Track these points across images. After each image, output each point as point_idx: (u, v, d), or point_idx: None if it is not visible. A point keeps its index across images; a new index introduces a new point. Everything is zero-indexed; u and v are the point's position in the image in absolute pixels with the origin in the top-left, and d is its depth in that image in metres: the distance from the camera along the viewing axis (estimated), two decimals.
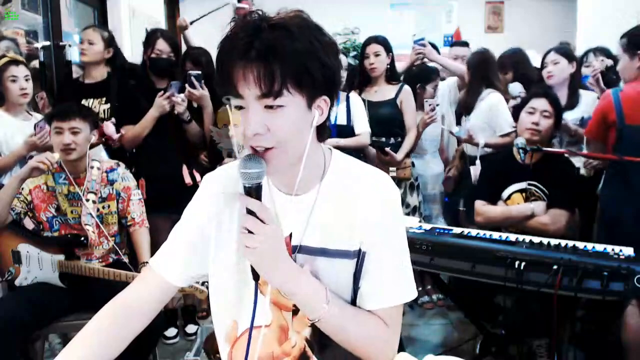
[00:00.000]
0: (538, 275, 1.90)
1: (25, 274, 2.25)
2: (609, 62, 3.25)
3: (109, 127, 2.76)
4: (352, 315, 1.02)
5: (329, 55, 0.95)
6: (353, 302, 1.06)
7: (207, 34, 2.96)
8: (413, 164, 3.25)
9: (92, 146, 2.39)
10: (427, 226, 2.38)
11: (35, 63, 3.32)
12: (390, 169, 3.05)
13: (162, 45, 2.85)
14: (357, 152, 2.97)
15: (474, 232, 2.26)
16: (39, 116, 2.72)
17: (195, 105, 2.90)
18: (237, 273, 1.06)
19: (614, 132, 2.40)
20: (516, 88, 3.26)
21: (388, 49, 3.16)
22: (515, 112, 2.62)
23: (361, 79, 3.28)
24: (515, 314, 2.28)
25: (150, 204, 2.56)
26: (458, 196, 3.41)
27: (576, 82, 2.97)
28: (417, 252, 2.11)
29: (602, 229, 2.50)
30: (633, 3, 4.00)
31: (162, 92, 2.79)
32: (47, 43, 3.37)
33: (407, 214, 3.12)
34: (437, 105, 3.20)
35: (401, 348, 1.08)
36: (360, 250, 1.03)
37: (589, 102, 2.86)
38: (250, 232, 0.92)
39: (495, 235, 2.21)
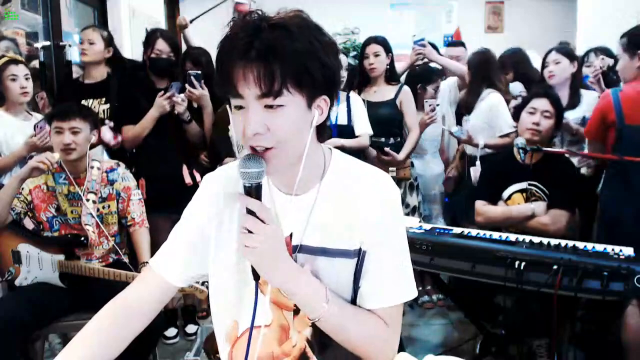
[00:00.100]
0: (538, 275, 1.90)
1: (25, 274, 2.25)
2: (610, 61, 3.25)
3: (106, 135, 2.75)
4: (352, 315, 1.02)
5: (329, 55, 0.95)
6: (353, 301, 1.06)
7: (207, 32, 2.97)
8: (412, 164, 3.25)
9: (92, 146, 2.39)
10: (427, 226, 2.38)
11: (35, 63, 3.32)
12: (390, 169, 3.05)
13: (161, 45, 2.85)
14: (358, 152, 2.97)
15: (474, 232, 2.26)
16: (39, 116, 2.72)
17: (195, 105, 2.91)
18: (237, 273, 1.06)
19: (613, 132, 2.40)
20: (517, 88, 3.26)
21: (388, 49, 3.16)
22: (516, 112, 2.62)
23: (361, 79, 3.28)
24: (515, 314, 2.28)
25: (150, 204, 2.56)
26: (458, 196, 3.41)
27: (577, 82, 2.97)
28: (417, 252, 2.11)
29: (602, 229, 2.50)
30: (633, 3, 4.00)
31: (162, 92, 2.79)
32: (47, 43, 3.37)
33: (407, 214, 3.12)
34: (437, 105, 3.20)
35: (401, 348, 1.08)
36: (360, 249, 1.03)
37: (590, 102, 2.85)
38: (250, 231, 0.92)
39: (495, 235, 2.21)
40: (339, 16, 6.30)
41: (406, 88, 3.21)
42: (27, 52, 3.30)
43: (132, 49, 4.15)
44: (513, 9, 6.81)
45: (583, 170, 2.75)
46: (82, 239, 2.26)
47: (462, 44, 4.17)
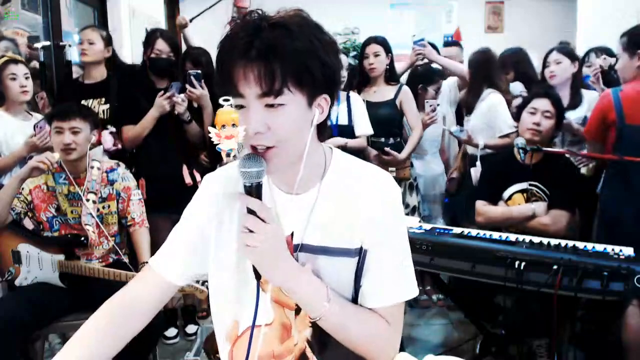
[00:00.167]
0: (538, 275, 1.91)
1: (25, 274, 2.25)
2: (613, 60, 3.25)
3: (107, 140, 2.75)
4: (353, 314, 1.02)
5: (329, 54, 0.95)
6: (354, 300, 1.06)
7: (206, 31, 2.97)
8: (412, 164, 3.25)
9: (92, 146, 2.39)
10: (427, 226, 2.38)
11: (35, 63, 3.32)
12: (390, 169, 3.05)
13: (161, 45, 2.85)
14: (357, 152, 2.97)
15: (474, 232, 2.26)
16: (39, 116, 2.72)
17: (195, 105, 2.91)
18: (237, 273, 1.06)
19: (613, 131, 2.40)
20: (517, 87, 3.26)
21: (387, 49, 3.16)
22: (518, 112, 2.62)
23: (360, 79, 3.28)
24: (515, 314, 2.28)
25: (150, 204, 2.55)
26: (458, 196, 3.41)
27: (578, 82, 2.97)
28: (417, 252, 2.11)
29: (602, 229, 2.50)
30: (633, 3, 3.99)
31: (162, 92, 2.79)
32: (47, 43, 3.37)
33: (407, 214, 3.11)
34: (438, 105, 3.20)
35: (401, 348, 1.07)
36: (361, 248, 1.03)
37: (591, 102, 2.85)
38: (251, 231, 0.92)
39: (495, 235, 2.21)
40: (339, 16, 6.31)
41: (406, 88, 3.21)
42: (28, 55, 3.30)
43: (132, 49, 4.15)
44: (513, 9, 6.81)
45: (583, 171, 2.74)
46: (82, 239, 2.26)
47: (458, 44, 4.18)
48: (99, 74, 2.95)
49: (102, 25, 3.87)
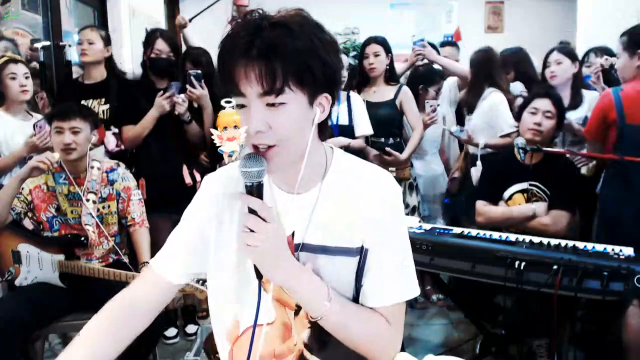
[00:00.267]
0: (538, 275, 1.90)
1: (25, 274, 2.25)
2: (613, 60, 3.25)
3: (110, 141, 2.75)
4: (354, 313, 1.02)
5: (330, 53, 0.96)
6: (355, 299, 1.06)
7: (206, 30, 2.96)
8: (412, 164, 3.25)
9: (92, 147, 2.39)
10: (427, 226, 2.38)
11: (35, 63, 3.32)
12: (390, 169, 3.05)
13: (161, 45, 2.85)
14: (357, 152, 2.97)
15: (474, 232, 2.26)
16: (39, 116, 2.72)
17: (195, 105, 2.91)
18: (237, 273, 1.06)
19: (614, 131, 2.40)
20: (517, 87, 3.26)
21: (387, 49, 3.16)
22: (519, 112, 2.62)
23: (360, 79, 3.28)
24: (515, 314, 2.28)
25: (150, 204, 2.55)
26: (459, 196, 3.41)
27: (579, 82, 2.97)
28: (417, 252, 2.10)
29: (602, 229, 2.50)
30: (633, 3, 3.99)
31: (162, 92, 2.79)
32: (47, 43, 3.37)
33: (407, 214, 3.11)
34: (438, 105, 3.20)
35: (401, 348, 1.07)
36: (362, 247, 1.03)
37: (592, 102, 2.85)
38: (251, 230, 0.92)
39: (495, 235, 2.21)
40: (339, 16, 6.31)
41: (405, 88, 3.21)
42: (29, 56, 3.29)
43: (132, 49, 4.15)
44: (513, 9, 6.81)
45: (583, 170, 2.74)
46: (82, 239, 2.25)
47: (454, 44, 4.18)
48: (99, 74, 2.95)
49: (102, 25, 3.87)
